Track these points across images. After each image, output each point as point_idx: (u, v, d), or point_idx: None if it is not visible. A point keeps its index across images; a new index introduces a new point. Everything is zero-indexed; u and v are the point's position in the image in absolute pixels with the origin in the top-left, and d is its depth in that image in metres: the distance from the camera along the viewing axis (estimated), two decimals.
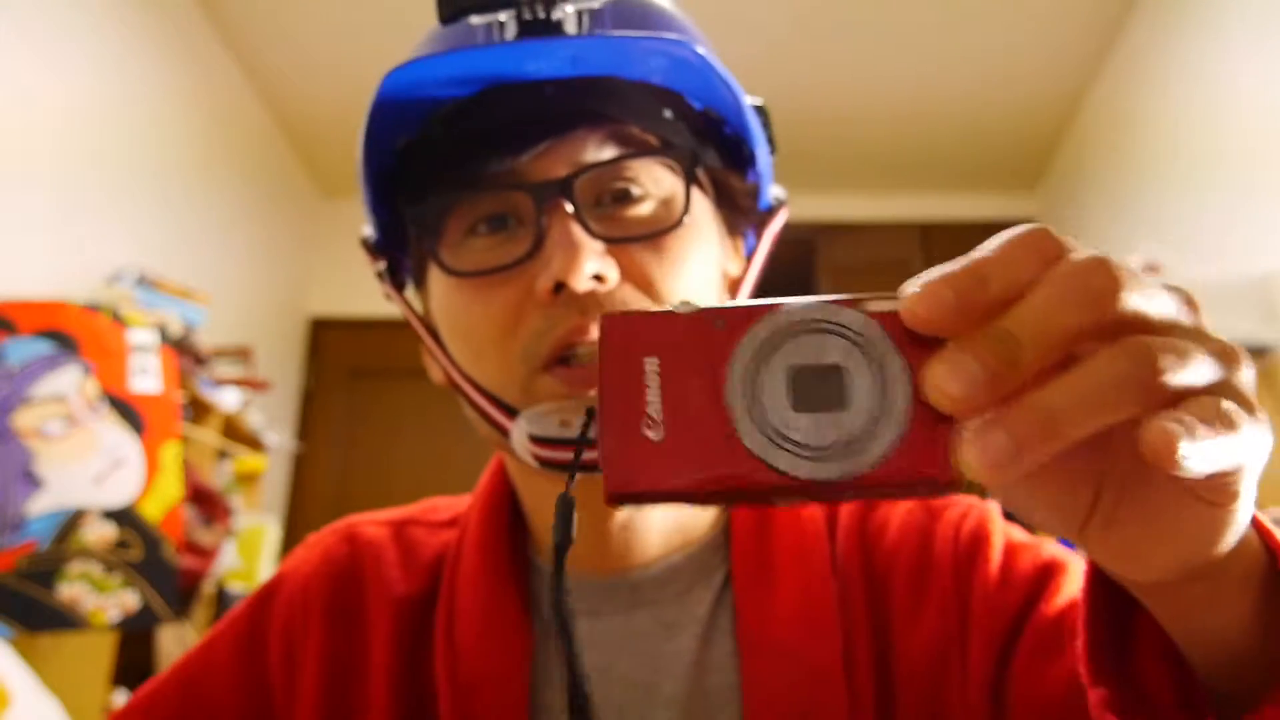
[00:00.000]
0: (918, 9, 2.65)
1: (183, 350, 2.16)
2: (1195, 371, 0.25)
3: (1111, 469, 0.28)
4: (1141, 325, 0.25)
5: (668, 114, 0.52)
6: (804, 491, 0.26)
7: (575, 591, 0.54)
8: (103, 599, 1.61)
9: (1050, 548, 0.52)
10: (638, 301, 0.48)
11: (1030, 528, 0.41)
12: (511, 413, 0.50)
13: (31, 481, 1.57)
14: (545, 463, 0.49)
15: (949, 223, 3.55)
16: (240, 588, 2.35)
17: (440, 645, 0.53)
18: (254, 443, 2.71)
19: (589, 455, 0.42)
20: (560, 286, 0.47)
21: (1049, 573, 0.50)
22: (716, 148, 0.54)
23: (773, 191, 0.59)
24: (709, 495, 0.26)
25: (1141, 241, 2.22)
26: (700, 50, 0.49)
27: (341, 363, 3.75)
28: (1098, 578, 0.34)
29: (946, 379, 0.25)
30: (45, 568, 1.57)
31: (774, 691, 0.49)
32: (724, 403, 0.26)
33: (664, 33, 0.51)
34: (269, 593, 0.60)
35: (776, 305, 0.27)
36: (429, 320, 0.57)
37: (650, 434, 0.26)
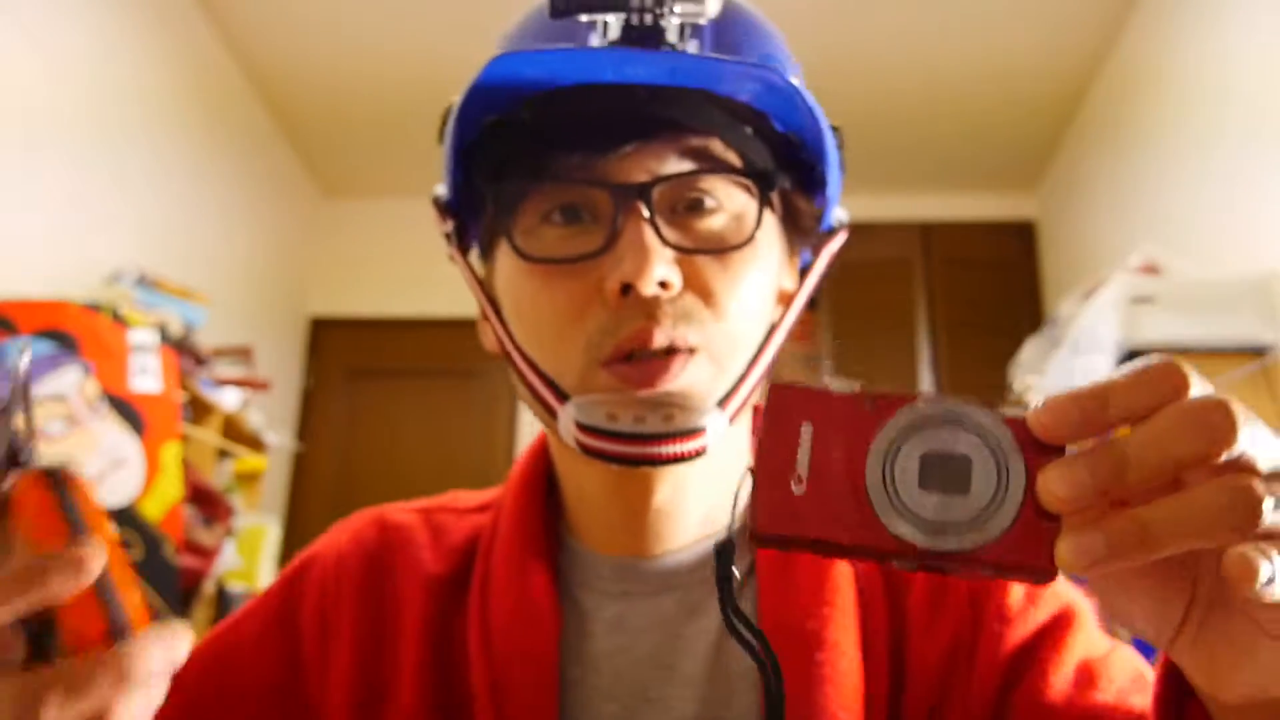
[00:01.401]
0: (918, 10, 2.65)
1: (183, 350, 2.16)
2: None
3: (1202, 590, 0.31)
4: (1248, 467, 0.28)
5: (750, 132, 0.53)
6: (918, 559, 0.30)
7: (608, 571, 0.57)
8: None
9: (1069, 594, 0.55)
10: (698, 310, 0.50)
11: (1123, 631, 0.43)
12: (563, 397, 0.51)
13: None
14: (588, 450, 0.50)
15: (949, 223, 3.55)
16: (240, 588, 2.35)
17: (474, 622, 0.55)
18: (254, 443, 2.71)
19: (630, 450, 0.48)
20: (628, 288, 0.49)
21: (1064, 619, 0.53)
22: (792, 169, 0.55)
23: (836, 213, 0.60)
24: (836, 549, 0.31)
25: (1141, 241, 2.22)
26: (792, 80, 0.50)
27: (341, 363, 3.75)
28: (1170, 680, 0.36)
29: (1058, 482, 0.28)
30: None
31: (792, 675, 0.51)
32: (863, 472, 0.30)
33: (761, 53, 0.53)
34: (299, 572, 0.61)
35: (920, 397, 0.31)
36: (490, 289, 0.58)
37: (795, 487, 0.31)
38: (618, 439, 0.49)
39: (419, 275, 3.79)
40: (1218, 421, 0.28)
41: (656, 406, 0.49)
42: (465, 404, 3.65)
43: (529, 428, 3.61)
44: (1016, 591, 0.54)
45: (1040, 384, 2.03)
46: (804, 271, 0.60)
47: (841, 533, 0.30)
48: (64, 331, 1.68)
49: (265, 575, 2.52)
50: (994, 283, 3.51)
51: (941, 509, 0.30)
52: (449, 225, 0.60)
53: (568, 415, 0.51)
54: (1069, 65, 2.91)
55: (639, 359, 0.49)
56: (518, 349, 0.54)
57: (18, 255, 2.01)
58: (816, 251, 0.60)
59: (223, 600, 2.25)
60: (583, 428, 0.50)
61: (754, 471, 0.31)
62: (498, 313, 0.57)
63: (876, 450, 0.31)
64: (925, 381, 3.47)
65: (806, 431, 0.31)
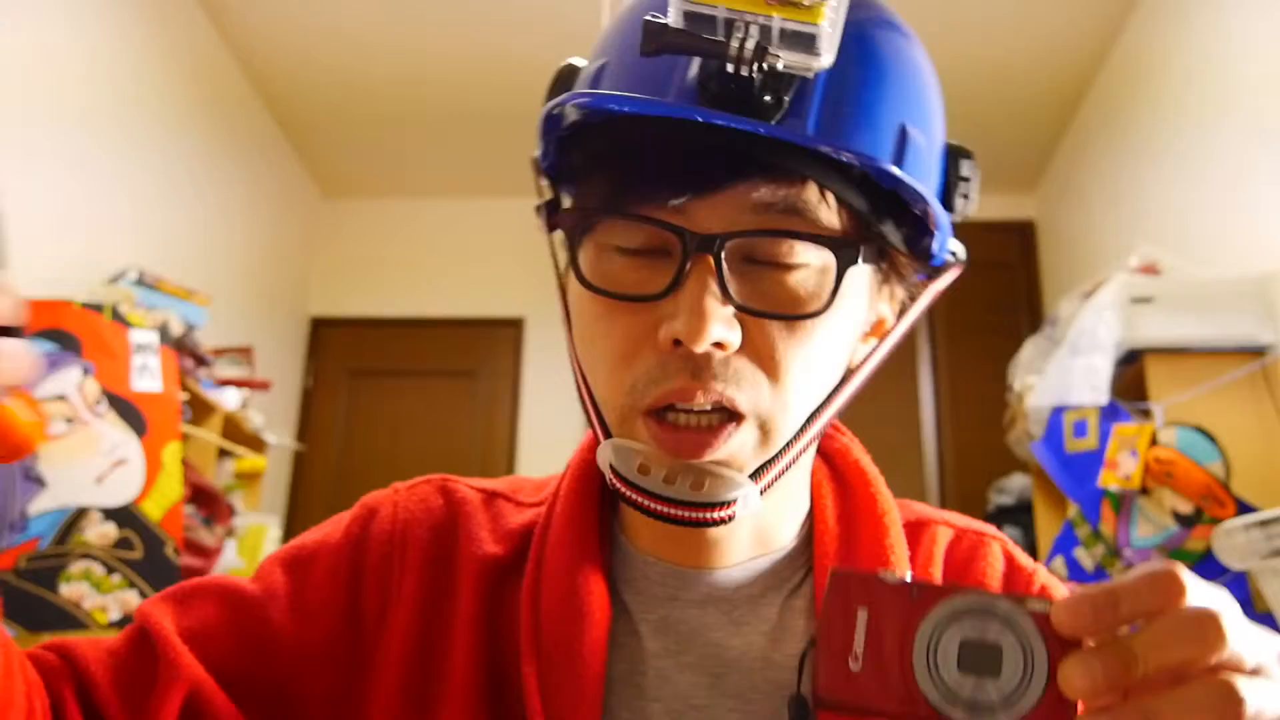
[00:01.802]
0: (917, 10, 2.65)
1: (183, 350, 2.16)
2: (1270, 703, 0.33)
3: None
4: (1235, 666, 0.33)
5: (849, 174, 0.49)
6: None
7: (657, 575, 0.57)
8: (104, 598, 1.61)
9: None
10: (752, 375, 0.48)
11: None
12: (607, 431, 0.52)
13: (33, 481, 1.57)
14: (618, 493, 0.51)
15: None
16: None
17: (526, 612, 0.55)
18: (254, 443, 2.71)
19: (655, 506, 0.49)
20: (679, 342, 0.47)
21: None
22: (896, 212, 0.51)
23: (950, 246, 0.55)
24: (887, 718, 0.37)
25: (1141, 241, 2.23)
26: (904, 176, 0.47)
27: (341, 363, 3.75)
28: None
29: (1076, 675, 0.33)
30: (47, 567, 1.57)
31: None
32: (911, 655, 0.36)
33: (884, 104, 0.49)
34: (362, 522, 0.61)
35: (957, 590, 0.37)
36: (564, 281, 0.57)
37: (853, 664, 0.37)
38: (644, 493, 0.49)
39: (419, 275, 3.80)
40: (1210, 632, 0.33)
41: (689, 471, 0.49)
42: (465, 404, 3.65)
43: (529, 427, 3.62)
44: None
45: (1040, 384, 2.03)
46: (906, 307, 0.56)
47: (892, 705, 0.36)
48: (65, 331, 1.68)
49: None
50: (993, 283, 3.51)
51: (977, 689, 0.36)
52: (547, 195, 0.58)
53: (604, 454, 0.51)
54: (1068, 65, 2.91)
55: (680, 420, 0.48)
56: (579, 364, 0.55)
57: (19, 255, 2.01)
58: (922, 284, 0.56)
59: None
60: (614, 471, 0.50)
61: (816, 644, 0.37)
62: (569, 318, 0.56)
63: (921, 636, 0.36)
64: (925, 381, 3.47)
65: (862, 616, 0.37)
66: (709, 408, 0.48)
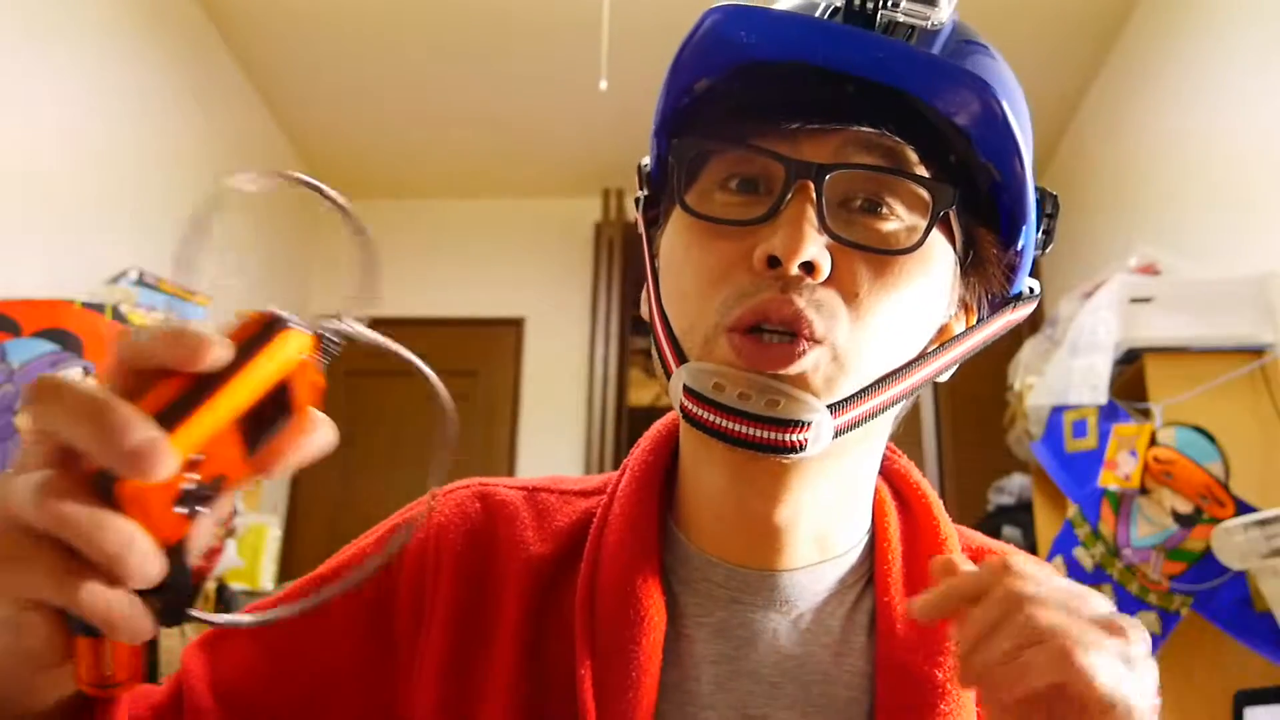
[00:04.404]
0: None
1: None
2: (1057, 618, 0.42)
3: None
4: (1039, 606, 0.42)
5: (951, 155, 0.51)
6: None
7: (719, 576, 0.56)
8: None
9: None
10: (836, 304, 0.49)
11: None
12: (683, 359, 0.51)
13: None
14: (688, 415, 0.50)
15: None
16: (241, 587, 2.36)
17: (581, 612, 0.54)
18: None
19: (727, 424, 0.48)
20: (775, 261, 0.48)
21: None
22: (986, 209, 0.53)
23: (1028, 282, 0.57)
24: None
25: (1140, 242, 2.23)
26: (1008, 111, 0.49)
27: (340, 363, 3.72)
28: None
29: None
30: None
31: (904, 716, 0.52)
32: None
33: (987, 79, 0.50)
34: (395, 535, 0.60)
35: None
36: (654, 257, 0.58)
37: None
38: (718, 410, 0.48)
39: (419, 275, 3.80)
40: (1012, 594, 0.43)
41: (765, 389, 0.48)
42: (465, 404, 3.65)
43: (529, 427, 3.62)
44: None
45: (1039, 384, 2.04)
46: (977, 326, 0.56)
47: None
48: (66, 331, 1.68)
49: (266, 574, 2.53)
50: None
51: None
52: (643, 192, 0.60)
53: (678, 378, 0.50)
54: (1067, 67, 2.91)
55: (761, 337, 0.48)
56: (660, 310, 0.54)
57: (20, 255, 2.01)
58: (995, 311, 0.57)
59: (223, 599, 2.26)
60: (689, 392, 0.49)
61: None
62: (655, 277, 0.57)
63: None
64: None
65: None
66: (791, 327, 0.48)
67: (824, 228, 0.48)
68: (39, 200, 2.10)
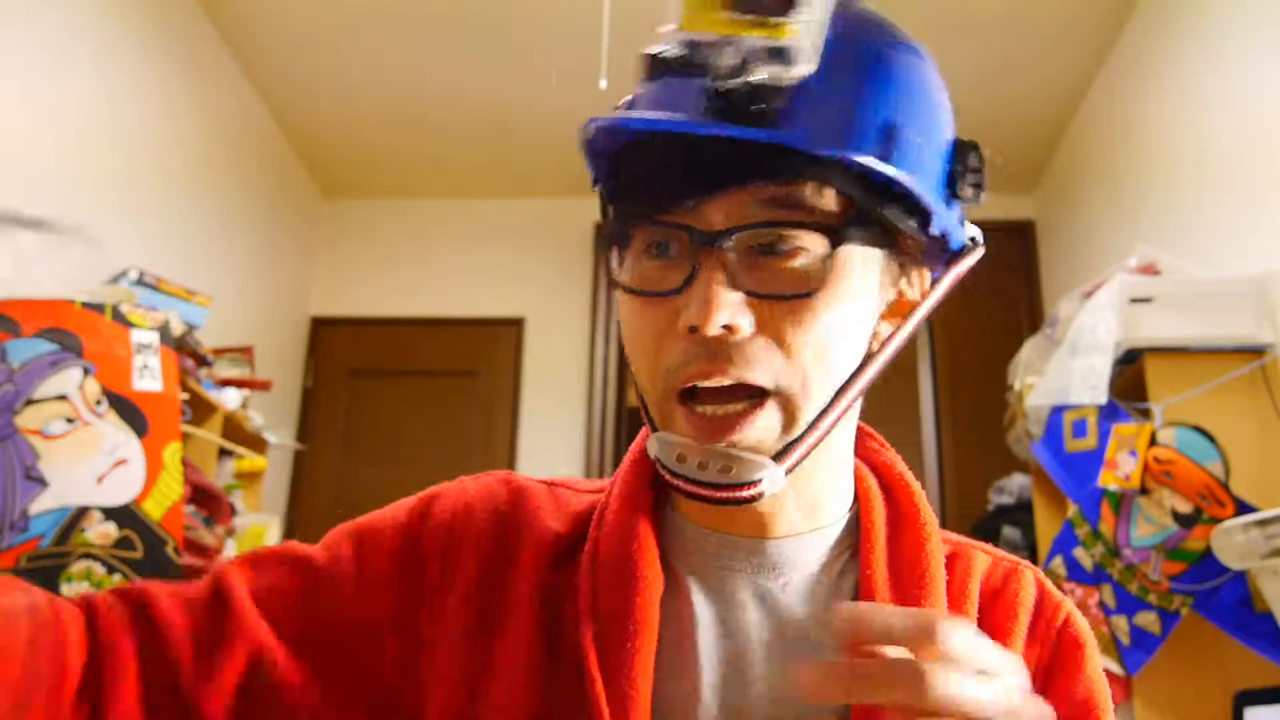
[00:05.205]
0: (918, 13, 2.66)
1: (184, 350, 2.17)
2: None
3: None
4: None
5: (845, 175, 0.53)
6: None
7: (711, 545, 0.61)
8: None
9: (1106, 692, 0.61)
10: (768, 352, 0.53)
11: None
12: (653, 425, 0.58)
13: (34, 481, 1.58)
14: (664, 480, 0.57)
15: None
16: None
17: (584, 580, 0.59)
18: (255, 442, 2.71)
19: (693, 490, 0.55)
20: (695, 328, 0.52)
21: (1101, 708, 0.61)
22: (903, 202, 0.55)
23: (968, 232, 0.62)
24: None
25: (1140, 242, 2.23)
26: (882, 168, 0.52)
27: (341, 363, 3.75)
28: None
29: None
30: (47, 566, 1.57)
31: None
32: None
33: (865, 102, 0.53)
34: (427, 502, 0.65)
35: None
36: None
37: None
38: (681, 479, 0.55)
39: (419, 275, 3.80)
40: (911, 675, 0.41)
41: (719, 457, 0.54)
42: (465, 404, 3.65)
43: (529, 427, 3.62)
44: (1083, 671, 0.61)
45: (1039, 384, 2.04)
46: (934, 284, 0.61)
47: None
48: (66, 331, 1.68)
49: None
50: (993, 282, 3.52)
51: None
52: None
53: (651, 447, 0.57)
54: (1068, 67, 2.91)
55: (708, 411, 0.54)
56: (630, 363, 0.60)
57: (21, 255, 2.01)
58: (948, 266, 0.62)
59: None
60: (658, 460, 0.57)
61: None
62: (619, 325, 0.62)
63: None
64: (925, 381, 3.48)
65: None
66: (728, 383, 0.53)
67: (736, 286, 0.52)
68: (39, 200, 2.10)
